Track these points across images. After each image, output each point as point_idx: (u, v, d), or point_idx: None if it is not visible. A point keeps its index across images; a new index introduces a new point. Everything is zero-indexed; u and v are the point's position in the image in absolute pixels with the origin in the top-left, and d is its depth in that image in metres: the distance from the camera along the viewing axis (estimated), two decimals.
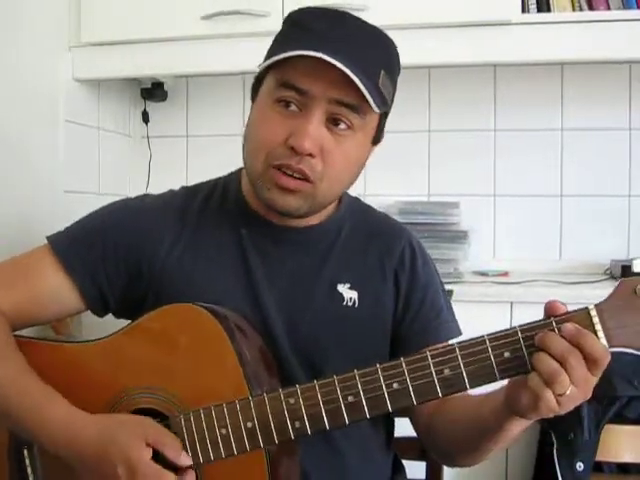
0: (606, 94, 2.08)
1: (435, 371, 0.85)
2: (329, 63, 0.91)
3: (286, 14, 1.04)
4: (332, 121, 0.96)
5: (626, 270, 1.84)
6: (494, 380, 0.85)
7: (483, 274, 1.98)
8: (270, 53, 1.00)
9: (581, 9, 1.79)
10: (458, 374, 0.84)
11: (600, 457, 1.59)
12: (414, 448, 1.26)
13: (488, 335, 0.84)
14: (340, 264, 1.09)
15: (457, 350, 0.85)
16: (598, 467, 1.64)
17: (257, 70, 1.00)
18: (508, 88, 2.14)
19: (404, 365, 0.86)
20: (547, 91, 2.12)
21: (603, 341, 0.82)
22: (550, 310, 0.84)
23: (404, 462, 1.19)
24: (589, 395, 0.83)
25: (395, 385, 0.86)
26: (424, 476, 1.29)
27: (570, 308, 0.85)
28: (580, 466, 1.58)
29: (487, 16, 1.77)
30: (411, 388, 0.85)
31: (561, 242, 2.14)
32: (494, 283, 1.84)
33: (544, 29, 1.78)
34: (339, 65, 0.91)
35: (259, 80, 1.01)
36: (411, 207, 2.02)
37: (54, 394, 0.94)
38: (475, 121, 2.17)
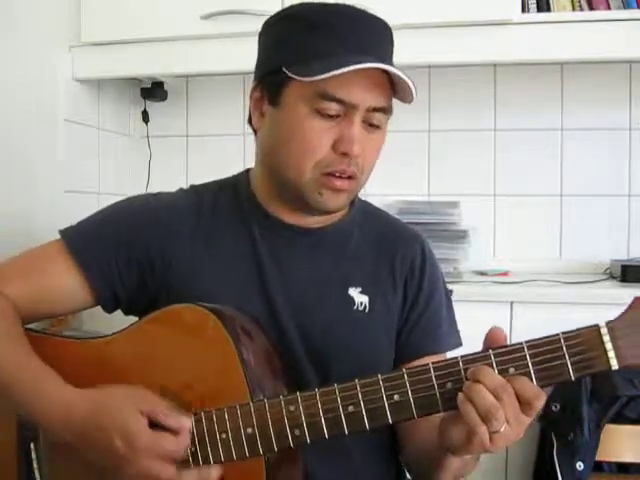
0: (606, 94, 2.08)
1: (437, 384, 0.83)
2: (367, 71, 0.95)
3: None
4: (368, 124, 1.01)
5: (626, 270, 1.84)
6: None
7: (483, 274, 1.98)
8: (295, 57, 0.98)
9: (581, 9, 1.80)
10: (460, 388, 0.82)
11: (600, 457, 1.59)
12: None
13: (493, 349, 0.82)
14: (352, 267, 1.09)
15: (460, 364, 0.83)
16: (598, 467, 1.64)
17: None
18: (508, 88, 2.14)
19: (406, 377, 0.84)
20: (547, 91, 2.12)
21: (613, 361, 0.79)
22: (490, 341, 0.83)
23: None
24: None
25: (396, 397, 0.84)
26: None
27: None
28: (580, 466, 1.58)
29: (487, 16, 1.77)
30: (412, 401, 0.84)
31: (561, 242, 2.14)
32: (494, 283, 1.84)
33: (544, 29, 1.78)
34: (398, 73, 0.95)
35: (278, 83, 1.00)
36: (411, 207, 2.02)
37: (48, 371, 0.95)
38: (475, 121, 2.17)
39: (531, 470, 1.73)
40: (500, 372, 0.81)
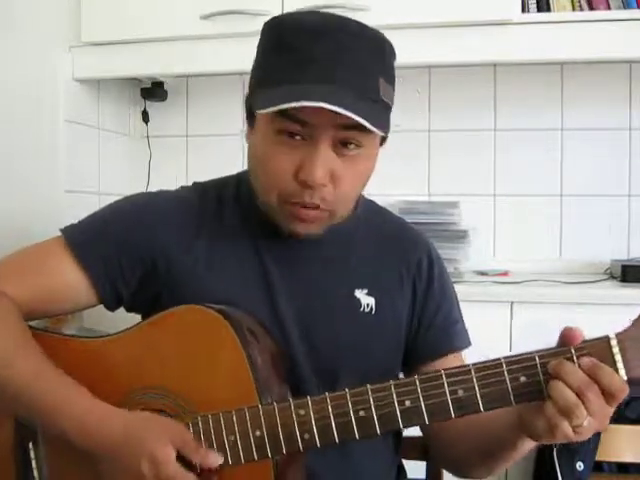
0: (606, 94, 2.08)
1: (449, 391, 0.83)
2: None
3: (285, 13, 1.02)
4: (341, 144, 0.92)
5: (626, 270, 1.83)
6: (508, 404, 0.83)
7: (483, 274, 1.98)
8: (261, 82, 0.96)
9: (581, 9, 1.80)
10: (472, 396, 0.83)
11: (600, 457, 1.59)
12: (414, 448, 1.26)
13: (505, 358, 0.82)
14: (358, 269, 1.07)
15: (472, 371, 0.83)
16: (598, 467, 1.64)
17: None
18: (508, 88, 2.14)
19: (417, 383, 0.84)
20: (547, 91, 2.12)
21: (622, 372, 0.80)
22: (566, 338, 0.82)
23: (404, 462, 1.19)
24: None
25: (407, 403, 0.84)
26: (424, 476, 1.28)
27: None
28: (580, 466, 1.58)
29: (487, 16, 1.77)
30: (424, 407, 0.84)
31: (561, 242, 2.14)
32: (494, 283, 1.84)
33: (544, 29, 1.78)
34: (342, 111, 0.85)
35: (250, 106, 0.98)
36: (411, 207, 2.01)
37: (76, 384, 0.93)
38: (475, 121, 2.17)
39: (531, 470, 1.73)
40: (511, 380, 0.82)
